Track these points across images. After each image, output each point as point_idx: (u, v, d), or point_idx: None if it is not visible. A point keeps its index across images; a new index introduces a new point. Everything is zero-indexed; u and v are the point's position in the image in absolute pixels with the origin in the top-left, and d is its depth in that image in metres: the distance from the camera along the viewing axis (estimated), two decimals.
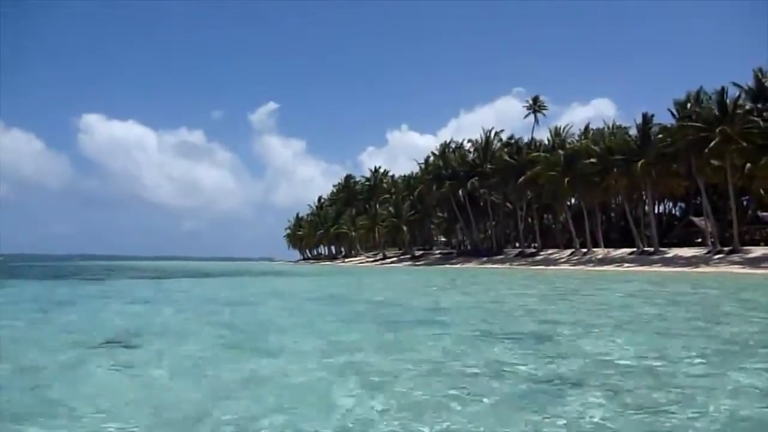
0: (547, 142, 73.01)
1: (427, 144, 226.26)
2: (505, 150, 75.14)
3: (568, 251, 67.26)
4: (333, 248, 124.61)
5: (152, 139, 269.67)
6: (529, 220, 78.44)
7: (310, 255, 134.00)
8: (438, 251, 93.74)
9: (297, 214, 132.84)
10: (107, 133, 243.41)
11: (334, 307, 19.44)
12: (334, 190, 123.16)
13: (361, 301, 21.94)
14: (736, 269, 44.04)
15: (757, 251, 49.51)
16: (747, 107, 51.57)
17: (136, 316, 16.32)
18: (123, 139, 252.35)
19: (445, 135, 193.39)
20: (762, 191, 55.47)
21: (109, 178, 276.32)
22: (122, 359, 9.22)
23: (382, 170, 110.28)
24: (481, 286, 30.55)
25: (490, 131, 79.55)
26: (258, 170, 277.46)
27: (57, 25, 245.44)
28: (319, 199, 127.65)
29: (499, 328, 12.74)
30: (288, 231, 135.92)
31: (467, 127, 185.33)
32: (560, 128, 74.35)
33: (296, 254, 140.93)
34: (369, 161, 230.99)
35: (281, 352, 9.85)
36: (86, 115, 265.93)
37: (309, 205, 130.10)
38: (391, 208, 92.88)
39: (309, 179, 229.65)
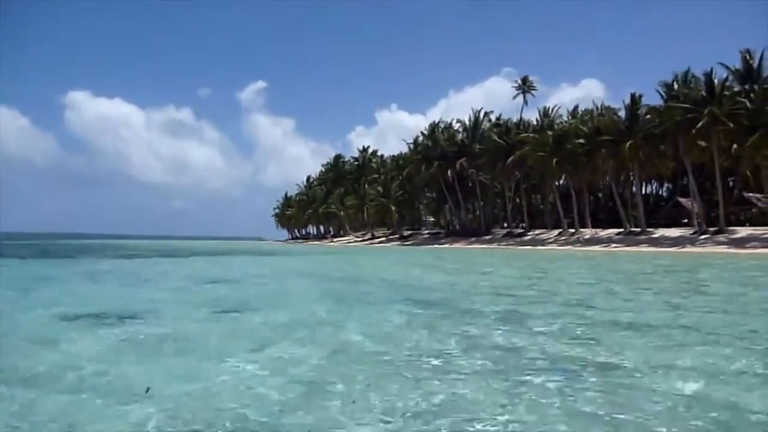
0: (535, 123, 73.09)
1: (417, 124, 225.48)
2: (494, 130, 75.19)
3: (556, 231, 67.65)
4: (322, 228, 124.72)
5: (140, 117, 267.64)
6: (518, 200, 78.74)
7: (298, 235, 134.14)
8: (426, 231, 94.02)
9: (285, 194, 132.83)
10: (94, 110, 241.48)
11: (355, 287, 19.51)
12: (323, 170, 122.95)
13: (378, 282, 21.66)
14: (722, 249, 44.54)
15: (743, 232, 50.02)
16: (735, 89, 51.90)
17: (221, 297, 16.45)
18: (110, 117, 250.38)
19: (435, 115, 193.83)
20: (748, 172, 55.90)
21: (96, 156, 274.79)
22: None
23: (371, 150, 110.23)
24: (472, 264, 30.81)
25: (479, 111, 79.75)
26: (247, 149, 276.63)
27: (42, 2, 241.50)
28: (308, 178, 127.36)
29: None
30: (277, 210, 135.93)
31: (457, 107, 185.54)
32: (549, 109, 74.57)
33: (285, 234, 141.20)
34: (358, 141, 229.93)
35: (325, 329, 10.03)
36: (72, 92, 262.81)
37: (298, 184, 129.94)
38: (379, 188, 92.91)
39: (298, 159, 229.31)
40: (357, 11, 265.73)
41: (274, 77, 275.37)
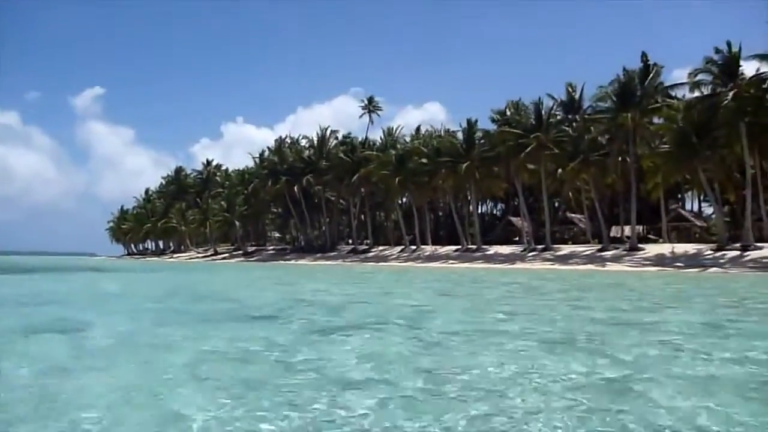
0: (380, 142, 74.86)
1: (264, 138, 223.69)
2: (341, 148, 76.02)
3: (399, 248, 69.40)
4: (161, 243, 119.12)
5: None
6: (362, 217, 79.93)
7: (135, 250, 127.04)
8: (272, 247, 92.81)
9: (122, 207, 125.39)
10: None
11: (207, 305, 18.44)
12: (164, 183, 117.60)
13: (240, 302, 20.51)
14: (548, 265, 47.96)
15: (566, 249, 54.31)
16: (559, 117, 56.71)
17: None
18: None
19: (283, 130, 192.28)
20: (570, 194, 61.08)
21: None
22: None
23: (215, 163, 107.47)
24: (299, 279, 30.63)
25: (326, 129, 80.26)
26: (81, 158, 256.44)
27: None
28: (147, 191, 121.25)
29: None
30: (111, 224, 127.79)
31: (305, 123, 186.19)
32: (393, 129, 76.74)
33: (120, 249, 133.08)
34: (203, 153, 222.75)
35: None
36: None
37: (135, 197, 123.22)
38: (223, 203, 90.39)
39: (138, 170, 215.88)
40: (203, 20, 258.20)
41: (113, 83, 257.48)
